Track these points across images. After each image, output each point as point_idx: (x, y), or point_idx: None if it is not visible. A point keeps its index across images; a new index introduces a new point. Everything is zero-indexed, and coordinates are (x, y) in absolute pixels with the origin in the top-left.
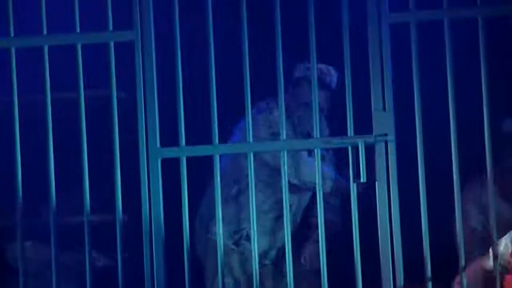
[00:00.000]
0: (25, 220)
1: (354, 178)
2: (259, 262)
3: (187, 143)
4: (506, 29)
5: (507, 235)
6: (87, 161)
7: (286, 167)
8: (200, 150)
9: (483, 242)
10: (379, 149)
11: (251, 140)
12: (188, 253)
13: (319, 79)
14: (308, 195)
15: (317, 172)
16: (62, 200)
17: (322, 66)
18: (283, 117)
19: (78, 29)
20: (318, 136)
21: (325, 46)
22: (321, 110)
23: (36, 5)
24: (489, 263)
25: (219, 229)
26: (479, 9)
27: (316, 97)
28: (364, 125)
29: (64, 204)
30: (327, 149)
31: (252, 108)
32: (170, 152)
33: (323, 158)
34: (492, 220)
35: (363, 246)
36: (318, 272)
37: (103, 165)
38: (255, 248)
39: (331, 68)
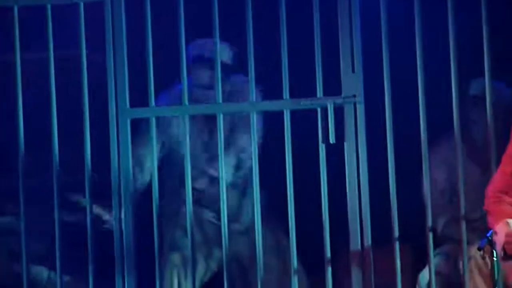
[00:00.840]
0: None
1: (323, 139)
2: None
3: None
4: None
5: None
6: (57, 121)
7: (255, 127)
8: (170, 111)
9: (451, 203)
10: (348, 110)
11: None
12: (156, 211)
13: (209, 58)
14: None
15: (286, 134)
16: (32, 158)
17: (210, 42)
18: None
19: None
20: (288, 97)
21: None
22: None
23: None
24: None
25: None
26: None
27: (285, 58)
28: (333, 87)
29: (34, 163)
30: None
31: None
32: (140, 113)
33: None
34: (460, 181)
35: (331, 205)
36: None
37: (73, 126)
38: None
39: (225, 45)
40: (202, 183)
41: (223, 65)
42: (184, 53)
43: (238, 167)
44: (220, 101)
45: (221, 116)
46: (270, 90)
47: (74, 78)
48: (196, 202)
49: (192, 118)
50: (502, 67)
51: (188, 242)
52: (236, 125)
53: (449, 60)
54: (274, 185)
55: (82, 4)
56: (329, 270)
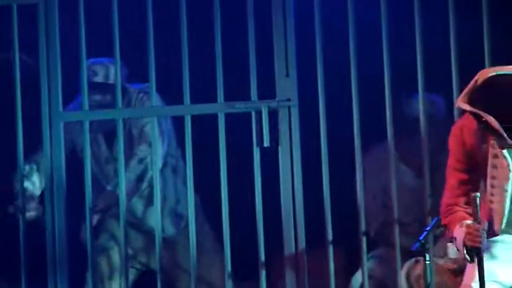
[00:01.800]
0: None
1: (257, 142)
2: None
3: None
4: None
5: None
6: None
7: (189, 129)
8: (103, 114)
9: (384, 207)
10: (282, 114)
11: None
12: (89, 209)
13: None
14: None
15: (221, 135)
16: None
17: (97, 65)
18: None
19: None
20: (222, 100)
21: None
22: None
23: None
24: None
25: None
26: None
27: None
28: (267, 91)
29: None
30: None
31: None
32: (73, 116)
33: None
34: (393, 185)
35: (265, 209)
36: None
37: (5, 129)
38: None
39: (106, 65)
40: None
41: (98, 84)
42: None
43: (140, 178)
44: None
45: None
46: (203, 94)
47: (7, 81)
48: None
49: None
50: (439, 81)
51: (122, 240)
52: (134, 136)
53: (383, 62)
54: (208, 189)
55: (15, 6)
56: (263, 274)
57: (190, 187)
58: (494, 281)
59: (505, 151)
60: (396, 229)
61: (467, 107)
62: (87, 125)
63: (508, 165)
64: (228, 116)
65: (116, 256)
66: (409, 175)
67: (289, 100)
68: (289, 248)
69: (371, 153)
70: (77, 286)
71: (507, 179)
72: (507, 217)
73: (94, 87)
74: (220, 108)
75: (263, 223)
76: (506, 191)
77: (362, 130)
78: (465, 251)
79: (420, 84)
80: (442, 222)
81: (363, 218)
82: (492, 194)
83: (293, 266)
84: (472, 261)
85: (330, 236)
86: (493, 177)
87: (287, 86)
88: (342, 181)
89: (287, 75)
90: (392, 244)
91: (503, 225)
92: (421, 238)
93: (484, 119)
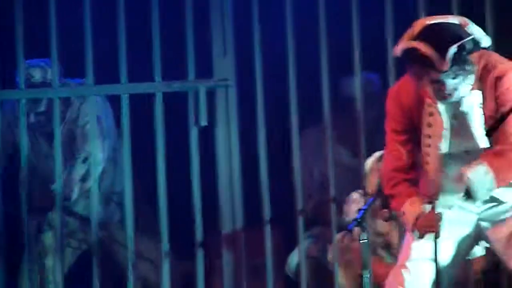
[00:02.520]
0: None
1: (194, 122)
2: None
3: None
4: None
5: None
6: None
7: (126, 108)
8: (40, 93)
9: (321, 186)
10: (220, 93)
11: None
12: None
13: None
14: None
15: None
16: None
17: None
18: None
19: None
20: (160, 79)
21: None
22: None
23: None
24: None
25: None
26: None
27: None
28: (205, 70)
29: None
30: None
31: None
32: (10, 94)
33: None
34: (330, 164)
35: (203, 188)
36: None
37: None
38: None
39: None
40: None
41: (37, 84)
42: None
43: (85, 178)
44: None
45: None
46: (141, 72)
47: None
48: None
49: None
50: (374, 60)
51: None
52: (77, 136)
53: (320, 42)
54: (145, 168)
55: None
56: (200, 252)
57: (127, 166)
58: (430, 259)
59: (439, 105)
60: (333, 208)
61: (402, 45)
62: (23, 104)
63: (442, 122)
64: (165, 95)
65: (49, 238)
66: (346, 155)
67: (226, 79)
68: (226, 227)
69: (308, 133)
70: (13, 267)
71: (441, 137)
72: (441, 178)
73: (34, 87)
74: (157, 87)
75: (200, 202)
76: (440, 150)
77: (299, 110)
78: (415, 231)
79: (356, 63)
80: (386, 191)
81: (300, 197)
82: (427, 154)
83: (231, 245)
84: (420, 237)
85: (267, 215)
86: (428, 136)
87: (224, 66)
88: (279, 160)
89: (225, 54)
90: (329, 223)
91: (436, 185)
92: (358, 217)
93: (418, 51)
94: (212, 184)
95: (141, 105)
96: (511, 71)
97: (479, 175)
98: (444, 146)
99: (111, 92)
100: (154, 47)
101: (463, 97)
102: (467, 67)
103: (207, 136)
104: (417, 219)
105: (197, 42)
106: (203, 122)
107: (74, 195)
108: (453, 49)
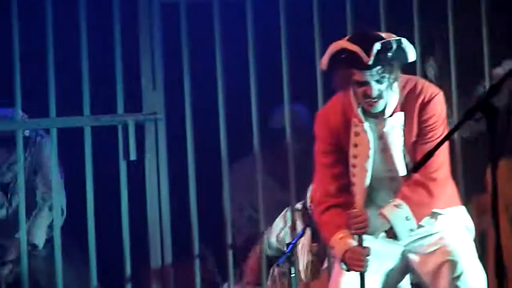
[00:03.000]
0: None
1: (123, 156)
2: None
3: None
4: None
5: (279, 219)
6: None
7: (55, 142)
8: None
9: (251, 221)
10: (149, 127)
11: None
12: None
13: None
14: None
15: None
16: None
17: None
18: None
19: None
20: (88, 113)
21: None
22: None
23: None
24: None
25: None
26: None
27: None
28: (134, 104)
29: None
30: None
31: None
32: None
33: None
34: (260, 198)
35: (132, 222)
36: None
37: None
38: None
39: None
40: None
41: None
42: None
43: (51, 225)
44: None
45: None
46: (69, 106)
47: None
48: None
49: None
50: (303, 92)
51: None
52: (38, 184)
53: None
54: (74, 202)
55: None
56: (129, 287)
57: (56, 201)
58: None
59: (365, 125)
60: (265, 242)
61: (328, 52)
62: None
63: (368, 141)
64: (94, 129)
65: None
66: (276, 188)
67: (155, 113)
68: (155, 261)
69: (238, 166)
70: None
71: (368, 156)
72: (366, 199)
73: None
74: (86, 121)
75: (129, 236)
76: (367, 170)
77: (229, 144)
78: (343, 264)
79: (285, 94)
80: (316, 217)
81: (229, 231)
82: (353, 175)
83: (160, 280)
84: (348, 271)
85: (197, 250)
86: (354, 156)
87: (153, 100)
88: (209, 194)
89: (154, 88)
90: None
91: (361, 208)
92: (287, 251)
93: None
94: (141, 218)
95: (70, 139)
96: (437, 98)
97: (399, 217)
98: (369, 167)
99: (40, 127)
100: (83, 80)
101: (388, 116)
102: (392, 73)
103: (137, 170)
104: (345, 253)
105: (126, 76)
106: (133, 156)
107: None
108: (377, 45)
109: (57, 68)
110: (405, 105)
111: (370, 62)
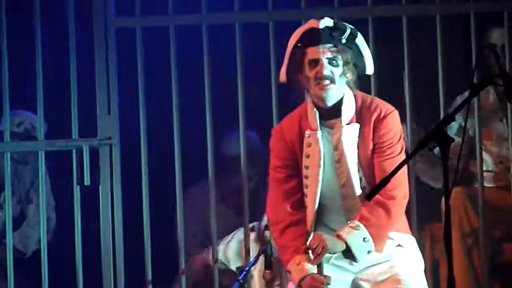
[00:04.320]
0: None
1: (77, 181)
2: None
3: None
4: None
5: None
6: None
7: (8, 166)
8: None
9: (203, 246)
10: (103, 152)
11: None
12: None
13: None
14: None
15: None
16: None
17: None
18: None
19: None
20: (43, 138)
21: None
22: None
23: None
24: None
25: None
26: (204, 16)
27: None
28: (89, 129)
29: None
30: None
31: None
32: None
33: None
34: (213, 224)
35: (85, 248)
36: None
37: None
38: None
39: None
40: None
41: None
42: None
43: None
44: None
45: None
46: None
47: None
48: None
49: None
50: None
51: None
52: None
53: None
54: None
55: None
56: None
57: (8, 223)
58: None
59: (319, 134)
60: (216, 268)
61: (289, 50)
62: None
63: (320, 150)
64: (49, 154)
65: None
66: (229, 214)
67: (110, 138)
68: (108, 287)
69: (192, 192)
70: None
71: (318, 166)
72: (317, 210)
73: None
74: (40, 146)
75: (82, 262)
76: (318, 181)
77: (184, 170)
78: None
79: (241, 120)
80: (275, 237)
81: (183, 258)
82: (306, 186)
83: None
84: None
85: (150, 276)
86: (306, 167)
87: (108, 124)
88: (163, 220)
89: (109, 113)
90: (212, 284)
91: (313, 220)
92: (240, 278)
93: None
94: (94, 243)
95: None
96: (392, 114)
97: (357, 239)
98: (321, 177)
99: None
100: (38, 105)
101: (346, 124)
102: (346, 63)
103: (91, 195)
104: (304, 279)
105: (81, 100)
106: (87, 181)
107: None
108: (329, 20)
109: (12, 92)
110: (360, 118)
111: (321, 26)
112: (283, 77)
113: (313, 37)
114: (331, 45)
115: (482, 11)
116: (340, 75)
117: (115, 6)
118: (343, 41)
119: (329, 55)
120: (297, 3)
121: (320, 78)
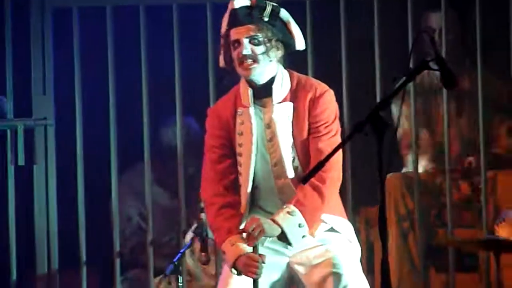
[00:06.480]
0: None
1: (12, 161)
2: None
3: None
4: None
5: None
6: None
7: None
8: None
9: (140, 229)
10: (38, 132)
11: None
12: None
13: None
14: None
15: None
16: None
17: None
18: None
19: None
20: None
21: None
22: None
23: None
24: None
25: None
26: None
27: None
28: (25, 109)
29: None
30: None
31: None
32: None
33: None
34: (149, 207)
35: (19, 228)
36: None
37: None
38: None
39: None
40: None
41: None
42: None
43: None
44: None
45: None
46: None
47: None
48: None
49: None
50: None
51: None
52: None
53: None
54: None
55: None
56: None
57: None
58: None
59: (251, 110)
60: (150, 251)
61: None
62: None
63: (251, 127)
64: None
65: None
66: (165, 197)
67: (45, 119)
68: (41, 268)
69: (127, 175)
70: None
71: (251, 143)
72: (251, 190)
73: None
74: None
75: (16, 242)
76: (251, 158)
77: (119, 152)
78: (234, 269)
79: (178, 107)
80: (209, 219)
81: (117, 240)
82: (240, 164)
83: (46, 287)
84: (239, 275)
85: (84, 257)
86: (239, 145)
87: (44, 105)
88: (97, 202)
89: (44, 93)
90: (146, 265)
91: (247, 200)
92: (175, 260)
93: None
94: (28, 224)
95: None
96: (328, 94)
97: (292, 225)
98: (253, 155)
99: None
100: None
101: (277, 103)
102: (269, 41)
103: (25, 175)
104: (238, 258)
105: (16, 80)
106: (21, 161)
107: None
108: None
109: None
110: (295, 97)
111: (236, 6)
112: (222, 62)
113: (234, 19)
114: (251, 24)
115: None
116: (263, 53)
117: None
118: (266, 18)
119: (250, 34)
120: None
121: (241, 58)
